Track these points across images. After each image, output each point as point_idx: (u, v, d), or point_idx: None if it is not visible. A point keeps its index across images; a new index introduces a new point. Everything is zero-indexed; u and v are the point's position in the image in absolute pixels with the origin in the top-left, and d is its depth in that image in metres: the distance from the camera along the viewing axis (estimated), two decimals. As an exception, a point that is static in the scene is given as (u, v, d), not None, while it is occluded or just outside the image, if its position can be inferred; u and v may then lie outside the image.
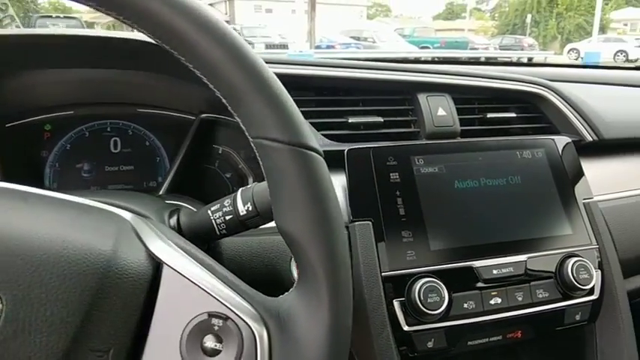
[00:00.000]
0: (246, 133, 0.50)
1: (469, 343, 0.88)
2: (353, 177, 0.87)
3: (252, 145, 0.50)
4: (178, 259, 0.52)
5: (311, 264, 0.49)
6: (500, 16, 50.76)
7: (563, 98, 1.08)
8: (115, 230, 0.53)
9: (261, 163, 0.50)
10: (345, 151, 0.88)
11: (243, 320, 0.49)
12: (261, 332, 0.49)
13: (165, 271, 0.51)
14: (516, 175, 0.94)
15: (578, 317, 0.91)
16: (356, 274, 0.82)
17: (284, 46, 17.21)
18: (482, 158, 0.94)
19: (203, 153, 1.12)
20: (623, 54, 21.73)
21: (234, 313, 0.49)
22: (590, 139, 1.06)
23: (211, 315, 0.49)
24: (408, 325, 0.81)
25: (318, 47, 17.78)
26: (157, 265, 0.51)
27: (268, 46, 17.07)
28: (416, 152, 0.90)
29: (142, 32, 0.48)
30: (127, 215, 0.58)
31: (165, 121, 1.12)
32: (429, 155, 0.91)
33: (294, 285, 0.52)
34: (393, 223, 0.84)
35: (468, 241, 0.87)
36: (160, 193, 1.01)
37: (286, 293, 0.53)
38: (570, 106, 1.08)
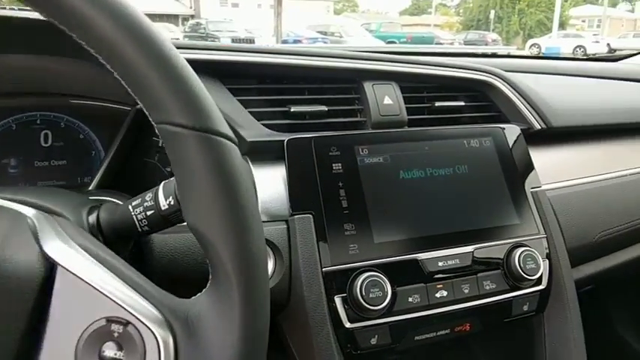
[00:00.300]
0: (150, 118, 0.45)
1: (416, 338, 0.85)
2: (293, 168, 0.82)
3: (157, 131, 0.45)
4: (76, 260, 0.47)
5: (222, 262, 0.44)
6: (465, 12, 51.63)
7: (512, 86, 1.07)
8: (6, 228, 0.47)
9: (167, 151, 0.46)
10: (285, 141, 0.83)
11: (146, 325, 0.44)
12: (165, 338, 0.44)
13: (60, 273, 0.46)
14: (463, 164, 0.92)
15: (526, 308, 0.90)
16: (295, 270, 0.78)
17: (250, 41, 17.02)
18: (429, 148, 0.91)
19: (142, 145, 1.05)
20: (582, 49, 22.39)
21: (136, 317, 0.44)
22: (539, 127, 1.05)
23: (110, 320, 0.44)
24: (350, 321, 0.77)
25: (285, 42, 17.66)
26: (50, 267, 0.46)
27: (234, 41, 16.85)
28: (360, 142, 0.87)
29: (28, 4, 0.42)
30: (28, 212, 0.52)
31: (100, 113, 1.05)
32: (373, 145, 0.87)
33: (207, 285, 0.48)
34: (335, 216, 0.81)
35: (413, 232, 0.84)
36: (90, 188, 0.94)
37: (198, 294, 0.48)
38: (519, 94, 1.06)
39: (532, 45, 26.21)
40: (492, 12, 42.12)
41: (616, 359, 1.81)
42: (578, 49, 22.66)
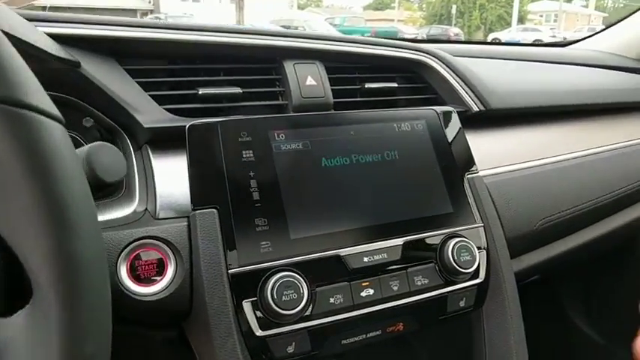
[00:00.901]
0: None
1: (343, 342, 0.77)
2: (195, 157, 0.72)
3: None
4: None
5: (32, 271, 0.34)
6: (428, 7, 52.23)
7: (449, 67, 1.00)
8: None
9: None
10: (187, 127, 0.73)
11: None
12: None
13: None
14: (393, 150, 0.83)
15: (462, 304, 0.83)
16: (196, 273, 0.68)
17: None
18: (355, 132, 0.82)
19: None
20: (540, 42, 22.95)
21: None
22: (477, 109, 0.98)
23: None
24: (262, 329, 0.68)
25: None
26: None
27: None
28: (275, 126, 0.77)
29: None
30: None
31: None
32: (291, 130, 0.78)
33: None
34: (245, 210, 0.71)
35: (336, 226, 0.75)
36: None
37: (12, 316, 0.38)
38: (457, 75, 0.99)
39: (493, 39, 26.76)
40: (454, 7, 42.80)
41: (569, 345, 1.79)
42: (536, 42, 23.20)
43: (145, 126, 0.75)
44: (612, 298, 1.74)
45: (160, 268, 0.69)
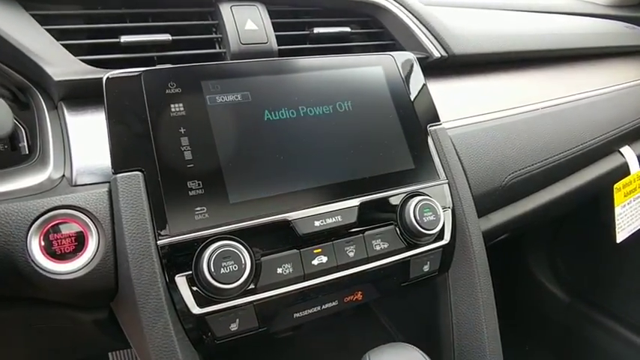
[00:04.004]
0: None
1: (295, 315, 0.69)
2: (114, 113, 0.62)
3: None
4: None
5: None
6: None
7: (408, 10, 0.90)
8: None
9: None
10: (104, 78, 0.63)
11: None
12: None
13: None
14: (346, 100, 0.75)
15: (426, 268, 0.76)
16: (120, 245, 0.59)
17: None
18: (302, 81, 0.73)
19: None
20: None
21: None
22: (438, 55, 0.90)
23: None
24: (200, 306, 0.60)
25: None
26: None
27: None
28: (209, 75, 0.67)
29: None
30: None
31: None
32: (227, 79, 0.68)
33: None
34: (175, 172, 0.62)
35: (282, 187, 0.66)
36: None
37: None
38: (416, 18, 0.90)
39: None
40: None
41: (535, 304, 1.79)
42: None
43: (56, 79, 0.64)
44: (576, 256, 1.73)
45: (80, 242, 0.59)
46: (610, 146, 1.13)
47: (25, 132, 0.71)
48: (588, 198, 1.27)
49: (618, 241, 1.23)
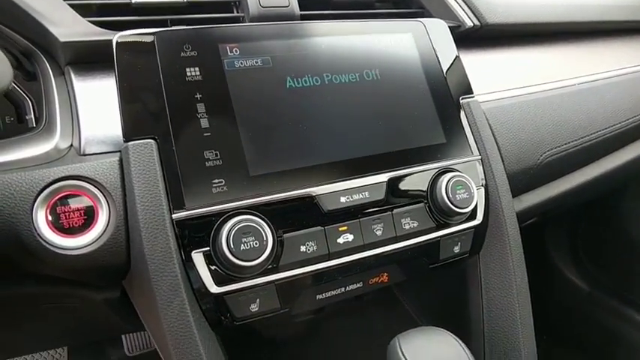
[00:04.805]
0: None
1: (319, 297, 0.65)
2: (126, 77, 0.57)
3: None
4: None
5: None
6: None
7: (438, -25, 0.84)
8: None
9: None
10: (114, 40, 0.58)
11: None
12: None
13: None
14: (373, 68, 0.69)
15: (457, 249, 0.71)
16: (133, 219, 0.55)
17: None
18: (327, 47, 0.68)
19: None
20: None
21: None
22: (471, 24, 0.83)
23: None
24: (219, 284, 0.56)
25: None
26: None
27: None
28: (227, 38, 0.62)
29: None
30: None
31: None
32: (247, 43, 0.63)
33: None
34: (190, 141, 0.57)
35: (305, 160, 0.62)
36: None
37: None
38: (447, -16, 0.84)
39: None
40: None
41: (554, 292, 1.74)
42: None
43: (62, 40, 0.59)
44: (598, 246, 1.67)
45: (90, 215, 0.55)
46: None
47: (32, 104, 0.66)
48: (622, 181, 1.21)
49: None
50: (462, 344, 0.54)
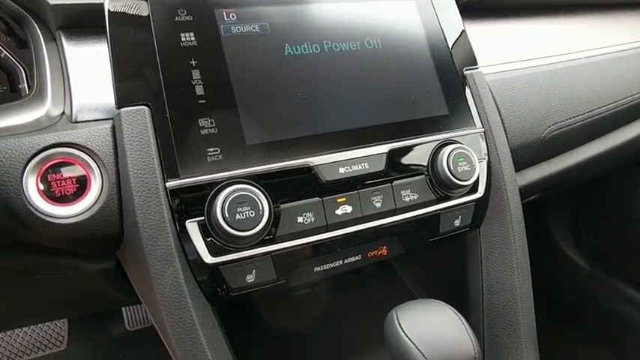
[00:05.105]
0: None
1: (316, 269, 0.64)
2: (118, 42, 0.56)
3: None
4: None
5: None
6: None
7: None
8: None
9: None
10: (106, 3, 0.56)
11: None
12: None
13: None
14: (375, 37, 0.67)
15: (457, 223, 0.70)
16: (125, 187, 0.53)
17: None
18: (327, 14, 0.66)
19: None
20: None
21: None
22: (476, -8, 0.81)
23: None
24: (214, 255, 0.55)
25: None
26: None
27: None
28: (224, 3, 0.60)
29: None
30: None
31: None
32: (244, 8, 0.61)
33: None
34: (185, 108, 0.55)
35: (303, 130, 0.60)
36: None
37: None
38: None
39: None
40: None
41: (554, 270, 1.74)
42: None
43: (52, 3, 0.57)
44: (600, 225, 1.67)
45: (82, 184, 0.54)
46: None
47: (25, 72, 0.65)
48: (627, 159, 1.19)
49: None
50: (460, 316, 0.54)
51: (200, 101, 0.56)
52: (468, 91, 0.72)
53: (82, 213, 0.53)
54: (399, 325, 0.53)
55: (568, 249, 1.75)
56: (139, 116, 0.54)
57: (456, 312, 0.55)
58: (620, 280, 1.60)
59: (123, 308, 1.52)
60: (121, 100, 0.54)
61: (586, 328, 1.64)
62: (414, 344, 0.51)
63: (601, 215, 1.68)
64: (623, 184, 1.54)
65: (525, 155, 0.80)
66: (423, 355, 0.50)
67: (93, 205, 0.54)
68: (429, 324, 0.53)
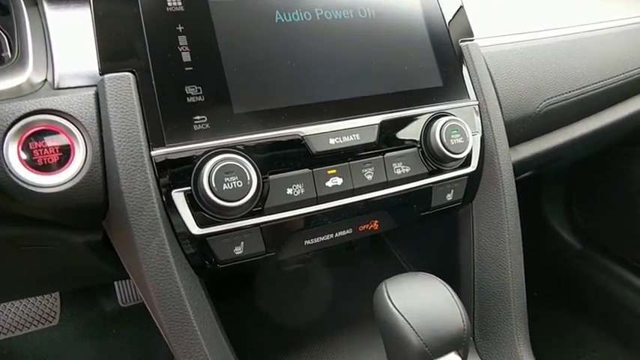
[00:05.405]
0: None
1: (306, 242, 0.63)
2: (102, 6, 0.54)
3: None
4: None
5: None
6: None
7: None
8: None
9: None
10: (88, -38, 0.54)
11: None
12: None
13: None
14: (368, 6, 0.65)
15: (449, 197, 0.69)
16: (109, 155, 0.52)
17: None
18: (319, -20, 0.63)
19: None
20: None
21: None
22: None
23: None
24: (201, 226, 0.54)
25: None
26: None
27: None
28: (211, -34, 0.58)
29: None
30: None
31: None
32: (233, -28, 0.59)
33: None
34: (171, 75, 0.54)
35: (294, 99, 0.59)
36: None
37: None
38: None
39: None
40: None
41: (546, 249, 1.75)
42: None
43: (31, -36, 0.55)
44: (593, 204, 1.67)
45: (65, 153, 0.53)
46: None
47: (8, 40, 0.63)
48: (621, 136, 1.18)
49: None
50: (450, 289, 0.53)
51: (187, 68, 0.54)
52: (463, 63, 0.70)
53: (66, 182, 0.52)
54: (389, 297, 0.52)
55: (561, 228, 1.75)
56: (123, 83, 0.52)
57: (446, 285, 0.54)
58: (611, 260, 1.61)
59: (115, 285, 1.51)
60: (105, 67, 0.53)
61: (577, 307, 1.65)
62: (402, 316, 0.50)
63: (594, 195, 1.68)
64: (617, 164, 1.54)
65: (520, 130, 0.79)
66: (412, 327, 0.50)
67: (77, 175, 0.52)
68: (418, 296, 0.52)
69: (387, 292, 0.53)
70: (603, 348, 1.50)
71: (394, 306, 0.52)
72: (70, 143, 0.52)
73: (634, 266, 1.54)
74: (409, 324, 0.50)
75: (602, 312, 1.59)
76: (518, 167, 0.86)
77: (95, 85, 0.54)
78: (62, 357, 1.45)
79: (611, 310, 1.56)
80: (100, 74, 0.53)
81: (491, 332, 0.72)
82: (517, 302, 0.72)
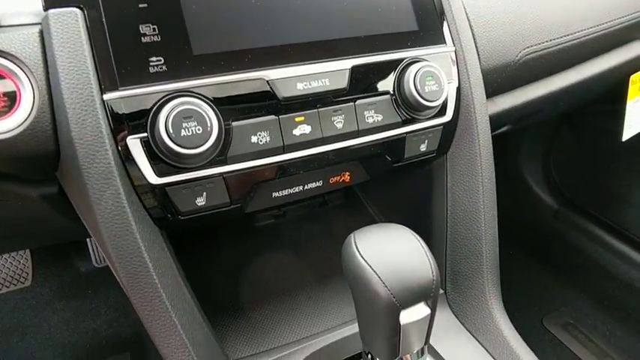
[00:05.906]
0: None
1: (275, 195, 0.61)
2: None
3: None
4: None
5: None
6: None
7: None
8: None
9: None
10: None
11: None
12: None
13: None
14: (339, -60, 0.61)
15: (423, 148, 0.67)
16: (57, 99, 0.48)
17: None
18: None
19: None
20: None
21: None
22: None
23: None
24: (160, 175, 0.51)
25: None
26: None
27: None
28: None
29: None
30: None
31: None
32: None
33: None
34: (123, 12, 0.49)
35: (258, 40, 0.55)
36: None
37: None
38: None
39: None
40: None
41: (522, 208, 1.76)
42: None
43: None
44: (571, 164, 1.67)
45: (11, 97, 0.48)
46: (633, 32, 1.00)
47: None
48: (600, 93, 1.17)
49: (624, 139, 1.14)
50: (420, 239, 0.52)
51: (141, 5, 0.50)
52: (439, 6, 0.67)
53: (12, 130, 0.48)
54: (356, 247, 0.50)
55: (537, 186, 1.76)
56: (70, 19, 0.48)
57: (416, 235, 0.53)
58: (585, 219, 1.63)
59: (89, 244, 1.48)
60: (49, 1, 0.48)
61: (550, 264, 1.69)
62: (370, 267, 0.49)
63: (572, 154, 1.68)
64: (595, 122, 1.53)
65: (497, 80, 0.76)
66: (379, 278, 0.48)
67: (24, 121, 0.48)
68: (386, 246, 0.51)
69: (355, 242, 0.52)
70: (573, 304, 1.54)
71: (362, 256, 0.50)
72: (15, 87, 0.48)
73: (608, 224, 1.57)
74: (377, 274, 0.49)
75: (573, 269, 1.62)
76: (496, 120, 0.84)
77: (39, 23, 0.49)
78: (37, 318, 1.43)
79: (582, 267, 1.59)
80: (44, 10, 0.48)
81: (462, 285, 0.72)
82: (489, 255, 0.72)
